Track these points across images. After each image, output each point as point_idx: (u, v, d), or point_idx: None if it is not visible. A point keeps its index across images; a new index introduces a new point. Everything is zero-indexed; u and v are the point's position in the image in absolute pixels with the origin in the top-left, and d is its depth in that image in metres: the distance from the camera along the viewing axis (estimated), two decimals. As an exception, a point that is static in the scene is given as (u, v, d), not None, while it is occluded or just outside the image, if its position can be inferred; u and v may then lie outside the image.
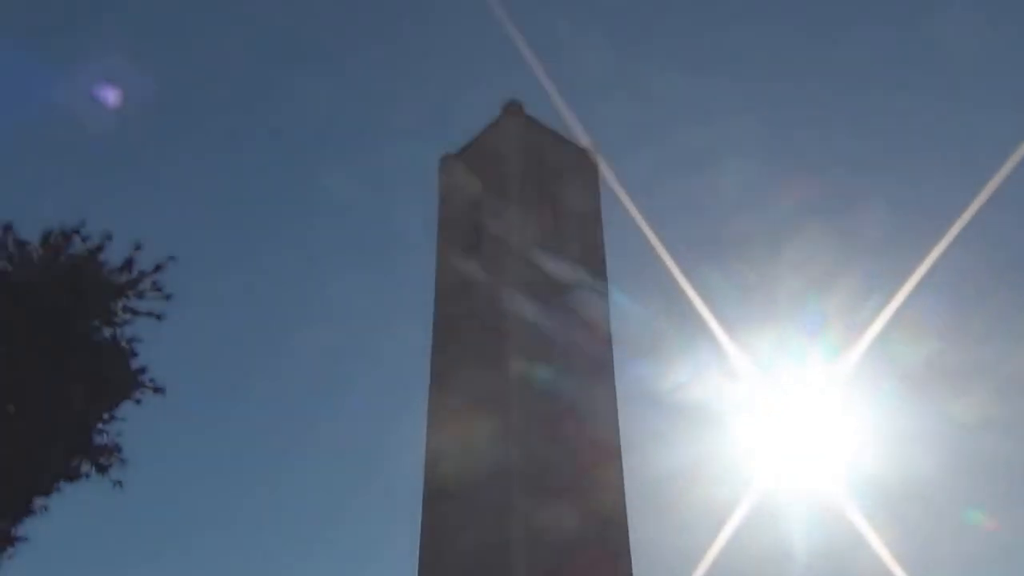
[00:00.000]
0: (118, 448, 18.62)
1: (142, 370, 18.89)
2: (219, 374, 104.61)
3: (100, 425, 18.49)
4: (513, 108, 43.64)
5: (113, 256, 18.71)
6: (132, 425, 19.18)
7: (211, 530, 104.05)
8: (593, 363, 38.79)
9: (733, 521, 35.35)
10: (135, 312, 18.88)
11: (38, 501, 17.89)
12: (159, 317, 19.08)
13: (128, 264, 18.71)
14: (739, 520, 35.69)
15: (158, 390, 19.00)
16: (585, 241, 42.19)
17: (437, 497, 35.47)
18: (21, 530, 17.75)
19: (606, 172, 44.70)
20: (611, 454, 36.65)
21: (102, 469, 18.46)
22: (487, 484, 33.99)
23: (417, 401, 39.32)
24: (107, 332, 18.66)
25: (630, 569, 34.26)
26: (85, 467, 18.41)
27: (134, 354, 18.90)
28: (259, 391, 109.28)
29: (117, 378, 18.29)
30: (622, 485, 35.93)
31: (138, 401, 18.81)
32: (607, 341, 39.84)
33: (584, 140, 45.40)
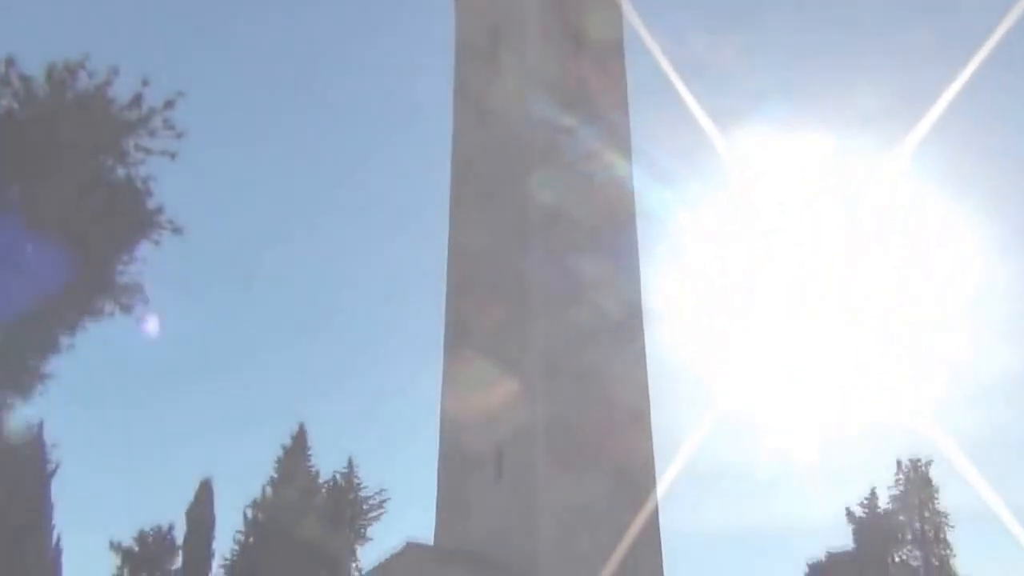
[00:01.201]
0: (140, 288, 18.69)
1: (159, 210, 18.69)
2: (237, 216, 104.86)
3: (120, 265, 18.48)
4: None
5: (121, 92, 18.18)
6: (153, 266, 19.19)
7: (231, 371, 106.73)
8: (615, 207, 38.14)
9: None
10: (148, 151, 18.49)
11: (64, 339, 18.12)
12: (172, 156, 18.73)
13: (137, 100, 18.19)
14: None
15: (176, 230, 18.87)
16: (607, 74, 40.76)
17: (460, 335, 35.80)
18: (48, 367, 18.07)
19: (627, 9, 42.76)
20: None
21: (125, 308, 18.58)
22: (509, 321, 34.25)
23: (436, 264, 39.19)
24: (121, 171, 18.38)
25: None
26: (109, 306, 18.53)
27: (149, 194, 18.66)
28: (277, 234, 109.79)
29: (133, 217, 18.12)
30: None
31: (157, 242, 18.73)
32: (628, 186, 39.17)
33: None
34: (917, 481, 47.96)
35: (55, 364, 18.12)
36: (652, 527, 34.20)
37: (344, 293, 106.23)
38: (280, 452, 46.58)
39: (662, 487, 35.25)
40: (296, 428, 47.52)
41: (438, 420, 35.88)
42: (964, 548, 47.11)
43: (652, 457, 35.91)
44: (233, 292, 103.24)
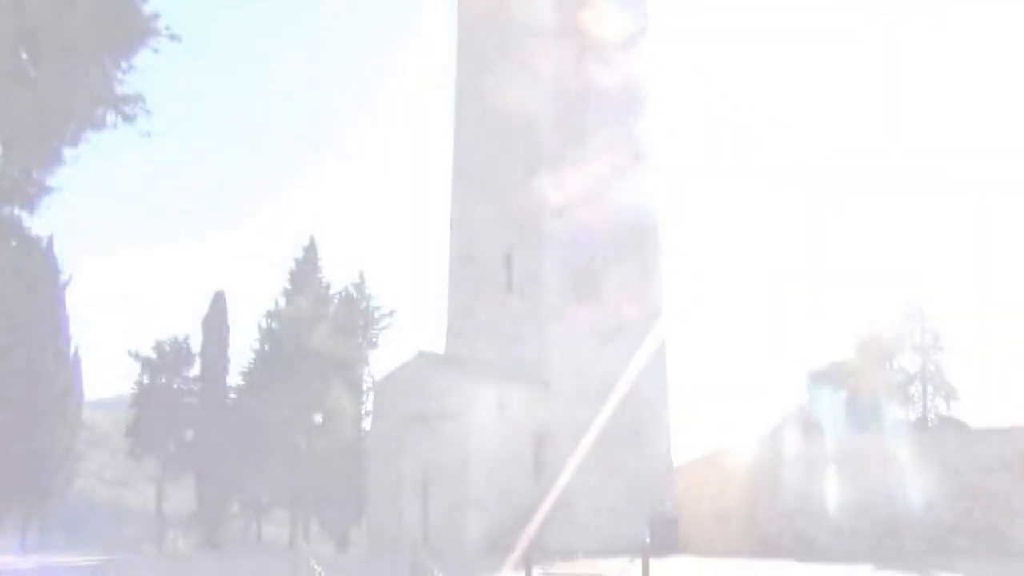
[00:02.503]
0: (141, 98, 18.07)
1: (154, 16, 17.80)
2: (238, 22, 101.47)
3: (119, 75, 17.79)
4: None
5: None
6: (154, 75, 18.56)
7: (234, 182, 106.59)
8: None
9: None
10: (137, -49, 17.44)
11: (67, 151, 17.69)
12: (165, -43, 17.66)
13: None
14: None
15: (174, 38, 18.04)
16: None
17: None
18: (53, 180, 17.76)
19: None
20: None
21: (127, 119, 18.04)
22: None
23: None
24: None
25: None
26: (110, 117, 17.99)
27: (144, -2, 17.71)
28: (282, 41, 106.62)
29: (129, 24, 17.26)
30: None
31: (155, 50, 17.94)
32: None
33: None
34: (921, 294, 48.30)
35: (61, 177, 17.80)
36: (659, 344, 34.81)
37: (352, 103, 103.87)
38: (292, 265, 47.01)
39: (670, 305, 35.69)
40: (307, 241, 47.80)
41: (448, 232, 35.86)
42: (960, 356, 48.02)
43: (660, 278, 36.14)
44: (240, 101, 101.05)
